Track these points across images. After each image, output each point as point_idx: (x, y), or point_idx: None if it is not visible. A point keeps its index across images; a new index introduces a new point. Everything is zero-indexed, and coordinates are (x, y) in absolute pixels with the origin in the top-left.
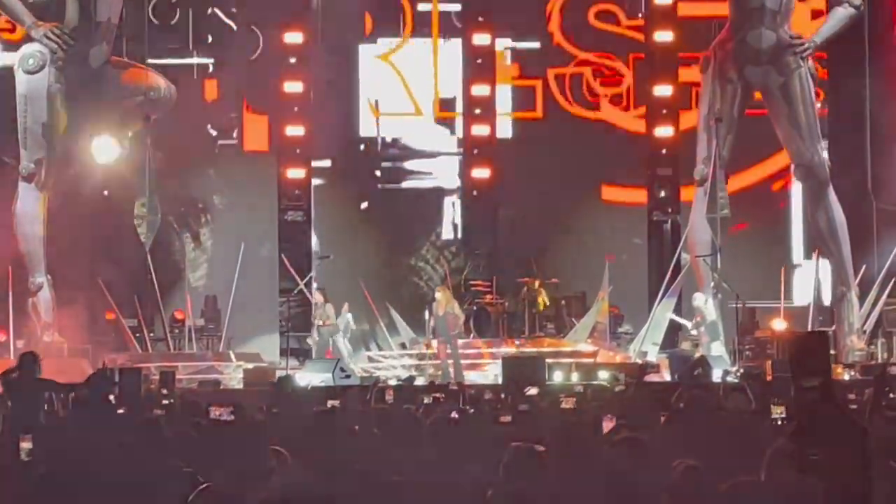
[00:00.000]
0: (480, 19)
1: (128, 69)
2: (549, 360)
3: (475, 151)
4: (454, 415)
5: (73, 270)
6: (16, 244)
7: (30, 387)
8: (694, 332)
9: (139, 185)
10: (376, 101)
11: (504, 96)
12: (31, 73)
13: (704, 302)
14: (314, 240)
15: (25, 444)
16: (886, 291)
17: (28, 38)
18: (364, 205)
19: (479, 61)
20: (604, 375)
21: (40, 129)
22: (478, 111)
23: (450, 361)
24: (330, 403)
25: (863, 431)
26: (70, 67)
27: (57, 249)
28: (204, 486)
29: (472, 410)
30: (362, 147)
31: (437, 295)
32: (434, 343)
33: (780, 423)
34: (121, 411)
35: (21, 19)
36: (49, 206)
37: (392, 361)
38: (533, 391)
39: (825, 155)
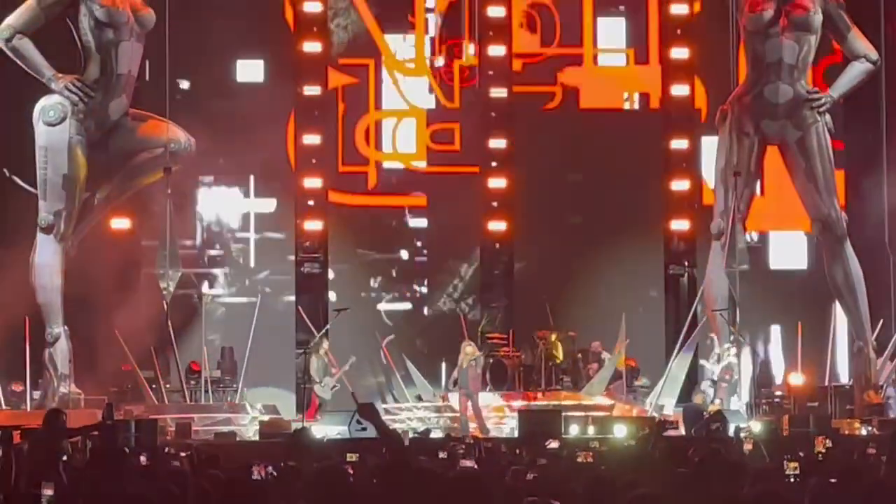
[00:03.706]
0: (490, 73)
1: (147, 121)
2: (565, 414)
3: (494, 204)
4: (470, 465)
5: (91, 322)
6: (33, 295)
7: (50, 440)
8: (724, 384)
9: (160, 236)
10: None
11: None
12: (52, 125)
13: (727, 351)
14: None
15: (48, 492)
16: None
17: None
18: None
19: (493, 115)
20: (621, 430)
21: (61, 180)
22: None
23: (469, 414)
24: (350, 457)
25: None
26: (90, 119)
27: (74, 301)
28: None
29: (488, 463)
30: None
31: (467, 348)
32: (451, 394)
33: (793, 479)
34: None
35: (41, 72)
36: (67, 257)
37: (408, 413)
38: (554, 444)
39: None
